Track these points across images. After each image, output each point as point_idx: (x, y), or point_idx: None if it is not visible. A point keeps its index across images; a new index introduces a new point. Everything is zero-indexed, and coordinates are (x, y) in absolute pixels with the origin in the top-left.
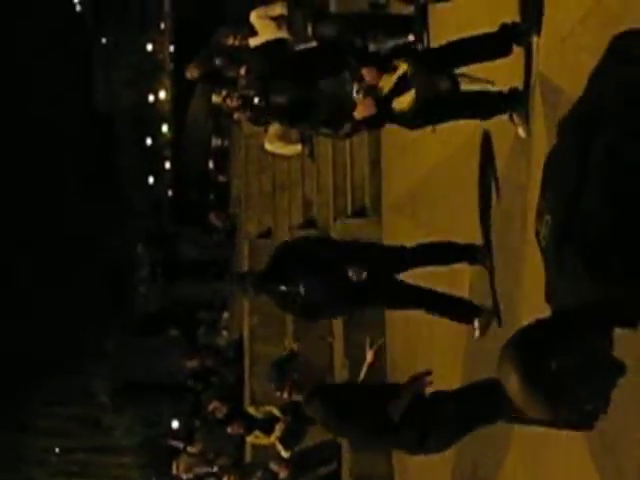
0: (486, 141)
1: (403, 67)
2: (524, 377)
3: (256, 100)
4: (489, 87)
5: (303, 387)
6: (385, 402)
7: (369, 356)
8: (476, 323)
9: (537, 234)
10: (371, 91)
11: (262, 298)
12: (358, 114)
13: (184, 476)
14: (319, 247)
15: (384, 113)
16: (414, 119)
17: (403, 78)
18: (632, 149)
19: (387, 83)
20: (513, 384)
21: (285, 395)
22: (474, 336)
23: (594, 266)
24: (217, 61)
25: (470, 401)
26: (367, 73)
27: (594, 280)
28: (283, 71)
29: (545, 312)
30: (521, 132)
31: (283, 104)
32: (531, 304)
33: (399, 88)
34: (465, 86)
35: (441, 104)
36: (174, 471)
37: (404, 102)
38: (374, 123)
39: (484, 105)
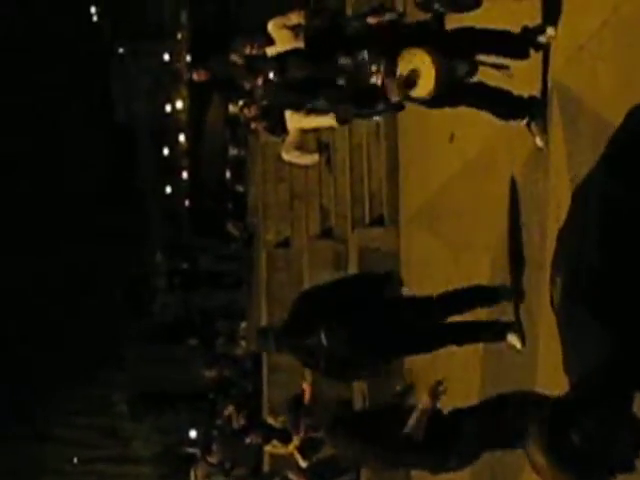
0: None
1: (417, 58)
2: (548, 456)
3: (271, 75)
4: (507, 75)
5: (318, 427)
6: (404, 423)
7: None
8: (511, 337)
9: (552, 301)
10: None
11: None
12: (394, 97)
13: None
14: (335, 293)
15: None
16: (431, 100)
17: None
18: (620, 192)
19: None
20: (540, 463)
21: (302, 434)
22: (517, 348)
23: (598, 308)
24: (233, 57)
25: (490, 415)
26: (389, 88)
27: (599, 322)
28: (299, 50)
29: None
30: (538, 141)
31: (299, 79)
32: (551, 320)
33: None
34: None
35: (458, 88)
36: (192, 479)
37: (424, 90)
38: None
39: (503, 104)
